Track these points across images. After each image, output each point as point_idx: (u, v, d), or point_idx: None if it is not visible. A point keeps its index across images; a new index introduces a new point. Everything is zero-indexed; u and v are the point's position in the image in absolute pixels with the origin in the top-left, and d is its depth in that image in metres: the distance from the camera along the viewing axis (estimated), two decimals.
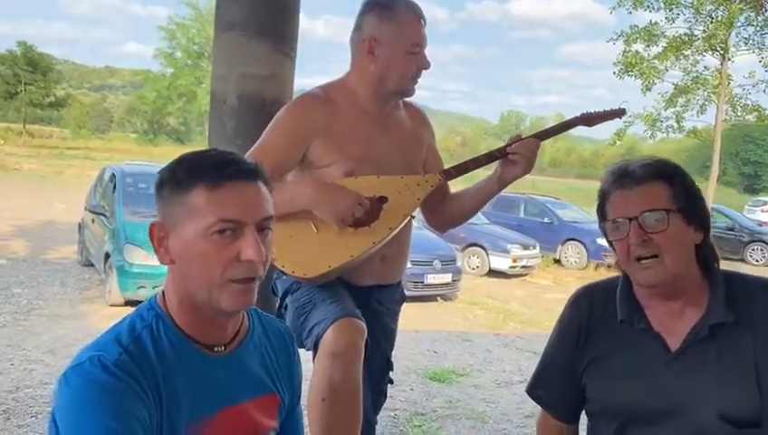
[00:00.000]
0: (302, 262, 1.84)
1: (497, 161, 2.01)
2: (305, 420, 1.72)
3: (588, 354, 1.41)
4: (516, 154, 1.94)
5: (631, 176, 1.31)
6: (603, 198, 1.36)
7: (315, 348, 1.81)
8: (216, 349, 1.13)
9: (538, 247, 11.70)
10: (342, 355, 1.74)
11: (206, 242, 1.03)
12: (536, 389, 1.54)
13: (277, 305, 2.05)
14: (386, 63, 1.92)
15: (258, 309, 1.25)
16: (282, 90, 2.46)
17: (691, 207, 1.31)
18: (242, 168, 1.06)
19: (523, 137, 1.99)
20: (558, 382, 1.48)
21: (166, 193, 1.07)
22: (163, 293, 1.13)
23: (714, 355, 1.28)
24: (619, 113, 2.12)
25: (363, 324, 1.81)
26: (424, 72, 1.99)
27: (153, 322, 1.09)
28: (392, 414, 4.12)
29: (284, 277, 1.95)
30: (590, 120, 2.08)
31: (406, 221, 1.96)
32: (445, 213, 2.16)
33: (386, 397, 2.22)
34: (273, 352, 1.25)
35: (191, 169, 1.05)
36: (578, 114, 2.10)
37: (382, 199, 1.90)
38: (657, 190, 1.30)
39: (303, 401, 1.42)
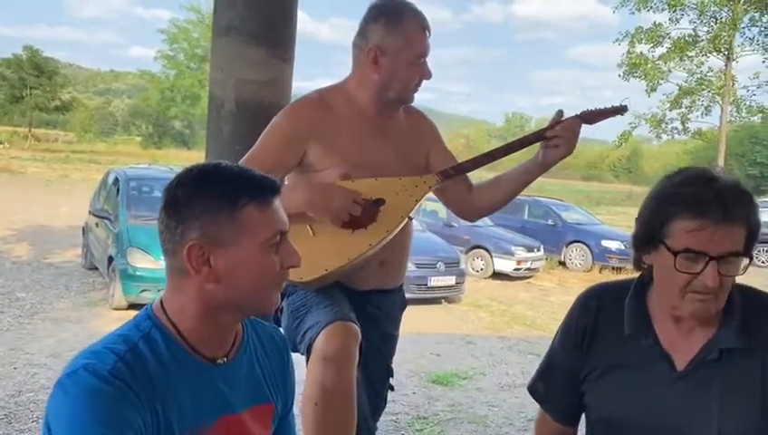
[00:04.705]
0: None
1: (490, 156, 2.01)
2: (299, 425, 1.72)
3: (590, 362, 1.38)
4: (557, 137, 1.92)
5: (724, 209, 1.15)
6: (671, 214, 1.19)
7: (308, 352, 1.80)
8: (219, 361, 1.13)
9: (542, 250, 11.66)
10: (334, 359, 1.73)
11: (264, 254, 1.08)
12: (536, 384, 1.51)
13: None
14: (389, 74, 1.93)
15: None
16: (280, 94, 2.46)
17: (753, 245, 1.21)
18: (277, 184, 1.12)
19: (563, 118, 1.95)
20: (558, 382, 1.45)
21: (211, 212, 1.06)
22: (161, 303, 1.12)
23: (720, 379, 1.24)
24: (621, 110, 2.03)
25: (357, 328, 1.80)
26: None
27: (151, 332, 1.09)
28: (394, 418, 4.11)
29: None
30: (589, 117, 2.00)
31: (403, 223, 1.95)
32: (477, 202, 2.12)
33: (386, 403, 2.21)
34: (267, 359, 1.25)
35: (240, 187, 1.08)
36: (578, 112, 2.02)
37: (379, 201, 1.90)
38: (740, 231, 1.18)
39: (296, 407, 1.41)
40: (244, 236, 1.07)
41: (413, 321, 7.11)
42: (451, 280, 8.66)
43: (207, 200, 1.06)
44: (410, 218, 2.00)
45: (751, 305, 1.28)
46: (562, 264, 12.84)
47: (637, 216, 1.31)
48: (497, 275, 11.04)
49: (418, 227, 9.67)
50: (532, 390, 1.52)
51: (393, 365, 2.21)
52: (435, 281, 8.45)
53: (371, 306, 2.02)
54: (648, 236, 1.25)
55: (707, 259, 1.17)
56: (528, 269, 11.21)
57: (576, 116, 1.99)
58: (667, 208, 1.21)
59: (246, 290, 1.09)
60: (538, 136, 1.97)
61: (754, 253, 15.61)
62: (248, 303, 1.11)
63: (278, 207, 1.11)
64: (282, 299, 1.95)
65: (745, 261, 1.21)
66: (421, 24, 1.94)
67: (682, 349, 1.28)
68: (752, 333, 1.24)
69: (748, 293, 1.30)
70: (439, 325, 7.31)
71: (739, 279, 1.25)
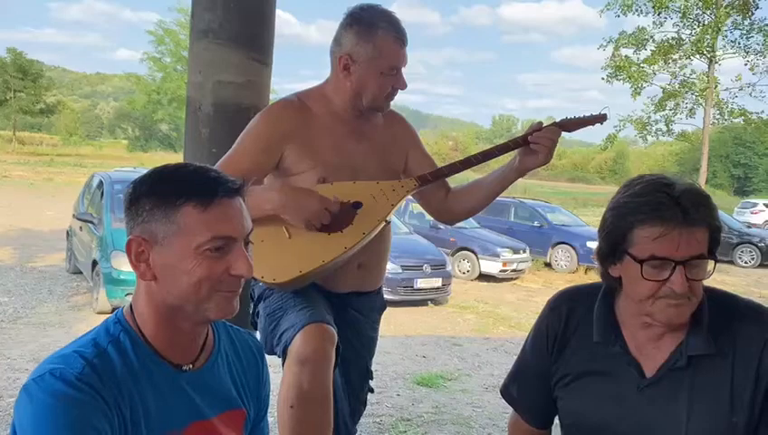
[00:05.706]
0: (273, 267, 1.82)
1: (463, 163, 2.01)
2: (275, 430, 1.72)
3: (561, 367, 1.38)
4: (537, 143, 1.92)
5: (683, 213, 1.15)
6: (632, 223, 1.19)
7: (284, 355, 1.80)
8: (184, 368, 1.12)
9: (528, 251, 11.71)
10: (310, 361, 1.73)
11: (196, 258, 1.04)
12: (509, 388, 1.51)
13: (251, 312, 2.04)
14: (360, 82, 1.91)
15: (225, 321, 1.23)
16: (257, 97, 2.46)
17: (716, 247, 1.22)
18: (229, 186, 1.07)
19: (544, 125, 1.96)
20: (529, 386, 1.46)
21: (146, 208, 1.05)
22: (131, 307, 1.12)
23: (688, 386, 1.25)
24: (600, 119, 2.02)
25: (333, 330, 1.80)
26: (411, 75, 1.98)
27: (120, 336, 1.08)
28: (378, 420, 4.10)
29: (260, 283, 1.94)
30: (568, 126, 2.00)
31: (380, 226, 1.95)
32: (455, 206, 2.13)
33: (365, 406, 2.21)
34: (240, 366, 1.24)
35: (179, 187, 1.05)
36: (556, 120, 2.02)
37: (357, 205, 1.90)
38: (702, 233, 1.18)
39: (271, 414, 1.41)
40: (178, 236, 1.04)
41: (399, 323, 7.13)
42: (437, 282, 8.69)
43: (149, 198, 1.06)
44: (387, 222, 2.01)
45: (718, 308, 1.27)
46: (548, 265, 12.89)
47: (599, 228, 1.29)
48: (483, 277, 11.07)
49: (405, 230, 9.70)
50: (505, 393, 1.53)
51: (378, 367, 2.21)
52: (421, 283, 8.49)
53: (351, 309, 2.02)
54: (612, 247, 1.25)
55: (673, 265, 1.17)
56: (514, 271, 11.26)
57: (555, 124, 1.99)
58: (627, 218, 1.21)
59: (184, 293, 1.05)
60: (517, 143, 1.98)
61: (737, 253, 15.78)
62: (191, 306, 1.07)
63: (231, 211, 1.06)
64: (259, 302, 1.95)
65: (711, 263, 1.20)
66: (395, 35, 1.91)
67: (651, 356, 1.29)
68: (720, 338, 1.25)
69: (714, 295, 1.30)
70: (425, 327, 7.32)
71: (727, 280, 1.25)
